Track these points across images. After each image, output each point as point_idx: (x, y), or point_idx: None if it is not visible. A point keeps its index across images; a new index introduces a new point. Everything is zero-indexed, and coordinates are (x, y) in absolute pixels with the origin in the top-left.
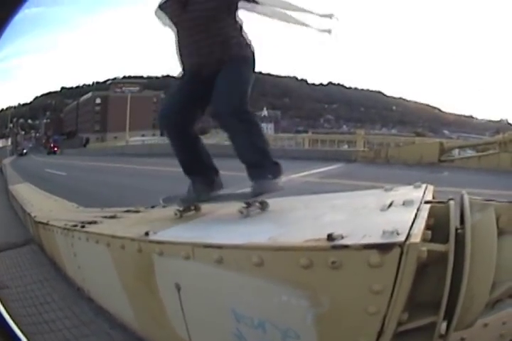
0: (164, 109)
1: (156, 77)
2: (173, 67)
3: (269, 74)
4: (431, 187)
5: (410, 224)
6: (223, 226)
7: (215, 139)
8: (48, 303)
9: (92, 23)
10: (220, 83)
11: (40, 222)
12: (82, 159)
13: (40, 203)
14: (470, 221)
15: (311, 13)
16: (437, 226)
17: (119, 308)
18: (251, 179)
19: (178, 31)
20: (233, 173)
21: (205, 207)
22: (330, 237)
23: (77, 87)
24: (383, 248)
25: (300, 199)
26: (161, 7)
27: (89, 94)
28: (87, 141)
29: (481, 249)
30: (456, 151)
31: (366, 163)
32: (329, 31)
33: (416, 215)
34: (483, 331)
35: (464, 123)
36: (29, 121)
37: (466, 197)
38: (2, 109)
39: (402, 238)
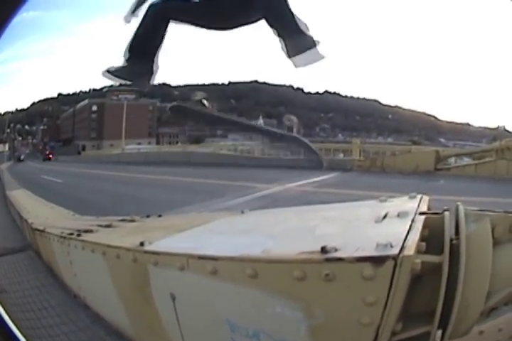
0: None
1: (153, 85)
2: (169, 75)
3: (265, 83)
4: (426, 198)
5: (404, 236)
6: (217, 238)
7: (210, 148)
8: (45, 309)
9: (89, 29)
10: None
11: (37, 229)
12: (77, 166)
13: (36, 210)
14: (465, 232)
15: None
16: (432, 237)
17: (115, 316)
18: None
19: None
20: (228, 182)
21: (198, 215)
22: (323, 250)
23: (74, 94)
24: (377, 261)
25: (293, 211)
26: None
27: (86, 101)
28: (83, 148)
29: (476, 259)
30: (452, 159)
31: (362, 171)
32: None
33: (410, 227)
34: (480, 338)
35: (460, 131)
36: (26, 127)
37: (462, 208)
38: (0, 114)
39: (395, 251)
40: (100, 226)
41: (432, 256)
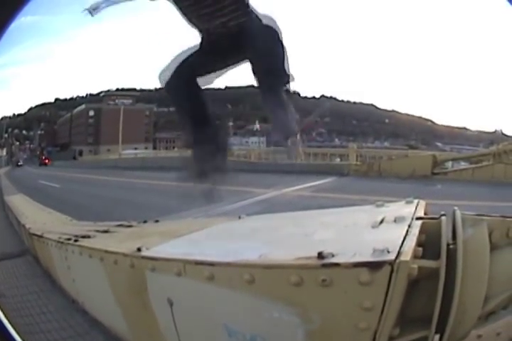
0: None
1: (149, 90)
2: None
3: None
4: (423, 203)
5: (401, 241)
6: (214, 243)
7: None
8: (43, 314)
9: (85, 34)
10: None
11: (34, 234)
12: (75, 171)
13: (34, 215)
14: (462, 237)
15: None
16: (429, 242)
17: (113, 321)
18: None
19: None
20: (225, 187)
21: (195, 221)
22: (320, 255)
23: (71, 99)
24: (373, 266)
25: (290, 216)
26: None
27: (83, 106)
28: (81, 153)
29: (473, 264)
30: (449, 163)
31: (359, 176)
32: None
33: (407, 232)
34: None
35: (457, 135)
36: (24, 131)
37: (458, 213)
38: None
39: (392, 256)
40: (98, 231)
41: (429, 261)
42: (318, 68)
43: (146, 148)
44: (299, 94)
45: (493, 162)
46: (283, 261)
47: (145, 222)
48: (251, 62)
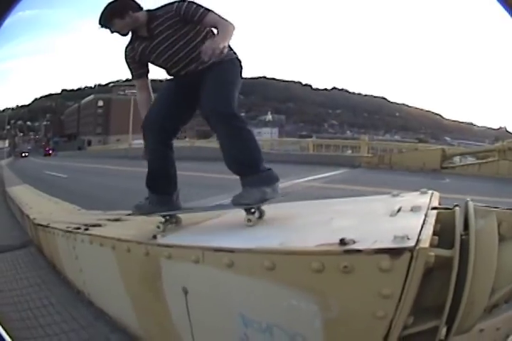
0: (154, 126)
1: (160, 81)
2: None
3: (273, 79)
4: (436, 194)
5: (419, 229)
6: (232, 231)
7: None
8: (44, 307)
9: (90, 25)
10: (208, 85)
11: (39, 225)
12: (82, 161)
13: (39, 205)
14: (474, 227)
15: None
16: (442, 231)
17: (121, 312)
18: (242, 186)
19: None
20: (235, 177)
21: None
22: (342, 242)
23: (79, 90)
24: (394, 253)
25: (306, 205)
26: None
27: (91, 97)
28: (89, 143)
29: (483, 255)
30: (457, 158)
31: (370, 168)
32: None
33: (424, 221)
34: (479, 336)
35: (464, 131)
36: (28, 123)
37: (471, 204)
38: None
39: (412, 243)
40: (109, 220)
41: (444, 250)
42: (331, 60)
43: None
44: (310, 86)
45: (498, 158)
46: (305, 248)
47: None
48: None
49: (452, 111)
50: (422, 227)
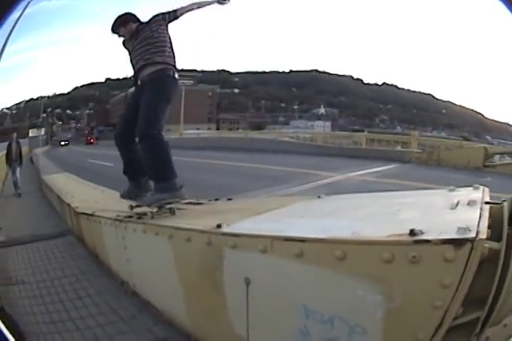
0: (120, 129)
1: (211, 71)
2: (229, 62)
3: (325, 72)
4: (487, 189)
5: (477, 222)
6: (300, 220)
7: (272, 135)
8: (80, 299)
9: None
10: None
11: (83, 213)
12: None
13: (82, 194)
14: None
15: None
16: (492, 225)
17: (170, 304)
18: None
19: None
20: (292, 169)
21: (272, 199)
22: (412, 232)
23: (124, 79)
24: (458, 243)
25: (368, 196)
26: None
27: None
28: None
29: None
30: (497, 157)
31: (419, 164)
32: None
33: (480, 214)
34: (503, 331)
35: (502, 130)
36: (68, 111)
37: None
38: (31, 99)
39: (473, 234)
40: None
41: (494, 243)
42: (382, 56)
43: (209, 129)
44: (362, 81)
45: None
46: (376, 238)
47: (216, 199)
48: None
49: (492, 110)
50: (479, 220)
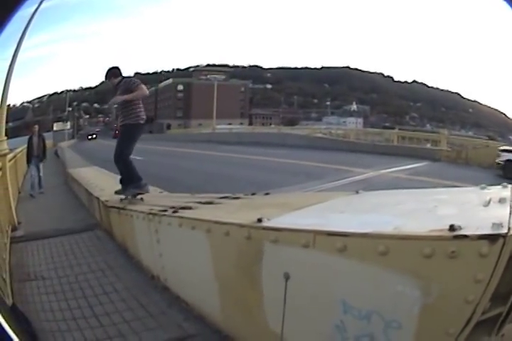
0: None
1: (243, 67)
2: (261, 58)
3: (356, 69)
4: None
5: (507, 218)
6: (342, 215)
7: (305, 131)
8: (106, 294)
9: (151, 11)
10: None
11: (113, 207)
12: (158, 144)
13: (112, 187)
14: None
15: None
16: None
17: (203, 298)
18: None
19: None
20: (325, 165)
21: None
22: (452, 228)
23: (154, 73)
24: (493, 239)
25: (408, 193)
26: None
27: (170, 81)
28: (169, 126)
29: None
30: None
31: (449, 162)
32: None
33: (510, 211)
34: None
35: None
36: (95, 105)
37: None
38: (55, 93)
39: (505, 230)
40: (199, 203)
41: None
42: (412, 54)
43: (241, 124)
44: (392, 79)
45: None
46: (418, 233)
47: (253, 194)
48: None
49: None
50: (509, 217)
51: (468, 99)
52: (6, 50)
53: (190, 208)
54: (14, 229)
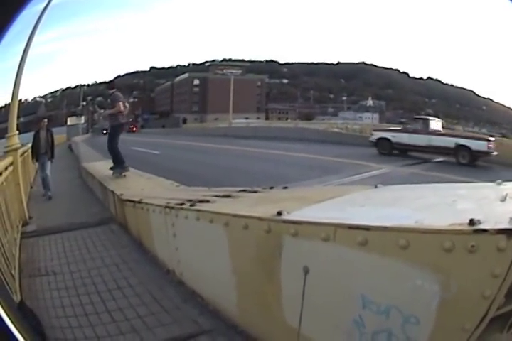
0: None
1: (259, 62)
2: (278, 53)
3: (372, 65)
4: None
5: None
6: (362, 209)
7: (322, 126)
8: (119, 289)
9: (166, 6)
10: None
11: (129, 200)
12: (174, 138)
13: (127, 181)
14: None
15: None
16: None
17: (219, 293)
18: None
19: None
20: (342, 160)
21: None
22: (471, 222)
23: (170, 68)
24: (511, 233)
25: (426, 187)
26: None
27: (186, 75)
28: (185, 121)
29: None
30: None
31: None
32: None
33: None
34: None
35: None
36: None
37: None
38: (69, 87)
39: None
40: (217, 196)
41: None
42: (427, 51)
43: (258, 118)
44: (408, 75)
45: None
46: (439, 227)
47: (271, 188)
48: None
49: None
50: None
51: (482, 97)
52: (17, 45)
53: (207, 201)
54: (26, 224)
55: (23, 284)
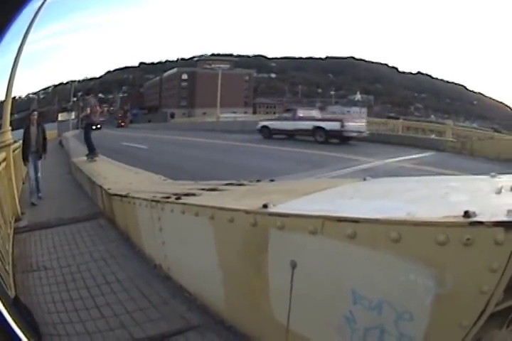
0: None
1: (247, 56)
2: (266, 47)
3: (361, 60)
4: None
5: None
6: (351, 201)
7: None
8: (108, 284)
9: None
10: None
11: (116, 195)
12: (162, 133)
13: (115, 176)
14: None
15: None
16: None
17: (206, 288)
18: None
19: None
20: (330, 154)
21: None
22: (466, 214)
23: (159, 63)
24: (508, 226)
25: (417, 180)
26: None
27: (175, 70)
28: (172, 115)
29: None
30: None
31: (454, 153)
32: None
33: None
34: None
35: None
36: (100, 95)
37: None
38: (61, 83)
39: None
40: (203, 189)
41: None
42: (418, 45)
43: (245, 113)
44: (397, 69)
45: None
46: (432, 219)
47: (258, 181)
48: None
49: None
50: None
51: (473, 91)
52: (12, 43)
53: (193, 195)
54: (18, 219)
55: (17, 279)
